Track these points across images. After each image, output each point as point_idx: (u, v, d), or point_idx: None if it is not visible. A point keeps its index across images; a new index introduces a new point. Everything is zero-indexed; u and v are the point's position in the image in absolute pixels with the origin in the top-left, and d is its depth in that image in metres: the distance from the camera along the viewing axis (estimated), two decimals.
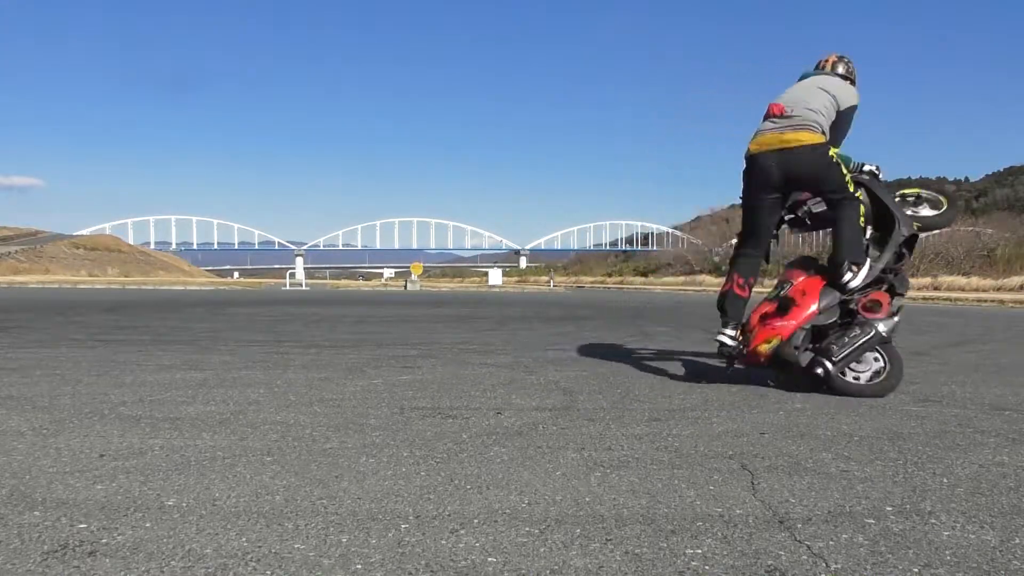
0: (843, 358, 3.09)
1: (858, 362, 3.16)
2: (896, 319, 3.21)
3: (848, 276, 3.23)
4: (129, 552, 1.29)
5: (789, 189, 3.39)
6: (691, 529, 1.45)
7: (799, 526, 1.47)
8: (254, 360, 4.25)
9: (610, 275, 73.26)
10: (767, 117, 3.40)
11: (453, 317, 9.81)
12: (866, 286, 3.30)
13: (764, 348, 3.24)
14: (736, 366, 3.50)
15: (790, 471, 1.90)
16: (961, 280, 32.18)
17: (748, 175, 3.41)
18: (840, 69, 3.51)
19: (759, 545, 1.36)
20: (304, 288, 34.18)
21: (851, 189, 3.29)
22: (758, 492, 1.71)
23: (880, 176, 3.57)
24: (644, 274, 66.10)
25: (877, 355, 3.18)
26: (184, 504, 1.56)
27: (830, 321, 3.24)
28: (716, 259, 61.16)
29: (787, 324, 3.21)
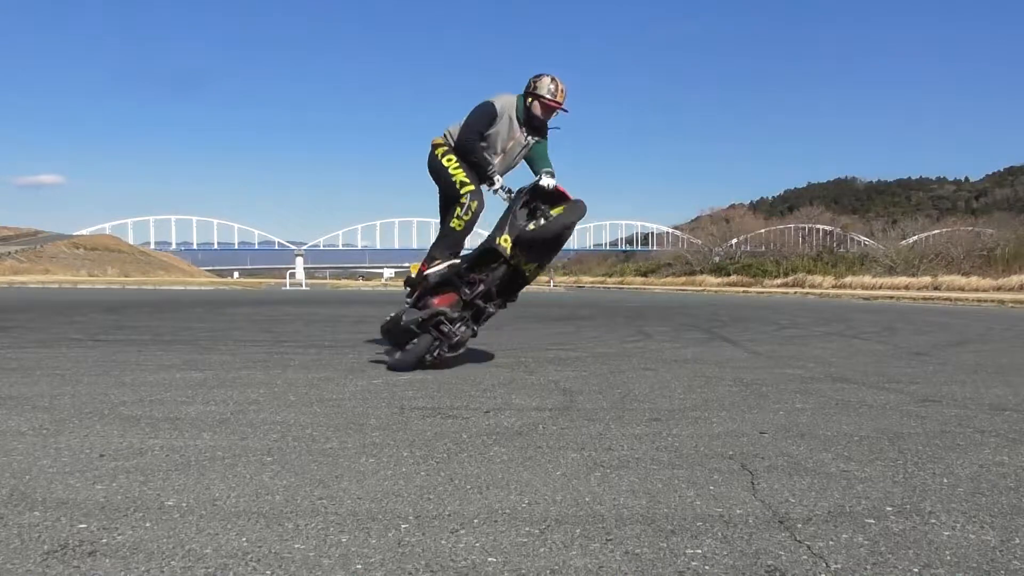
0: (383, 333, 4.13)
1: (412, 343, 3.76)
2: (419, 316, 3.73)
3: (428, 267, 3.86)
4: (129, 552, 1.29)
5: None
6: (691, 529, 1.45)
7: (799, 526, 1.47)
8: (254, 360, 4.25)
9: (610, 275, 73.25)
10: None
11: None
12: (440, 283, 3.83)
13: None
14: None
15: (790, 471, 1.90)
16: (961, 280, 32.19)
17: None
18: (527, 87, 4.01)
19: (759, 545, 1.36)
20: (304, 288, 34.18)
21: (460, 190, 3.83)
22: (758, 492, 1.71)
23: (498, 189, 3.90)
24: (644, 274, 66.11)
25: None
26: (184, 504, 1.56)
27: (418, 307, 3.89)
28: (716, 259, 61.17)
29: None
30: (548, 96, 3.93)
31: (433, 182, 4.04)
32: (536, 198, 3.84)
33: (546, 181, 3.85)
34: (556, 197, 3.84)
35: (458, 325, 3.81)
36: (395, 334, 3.90)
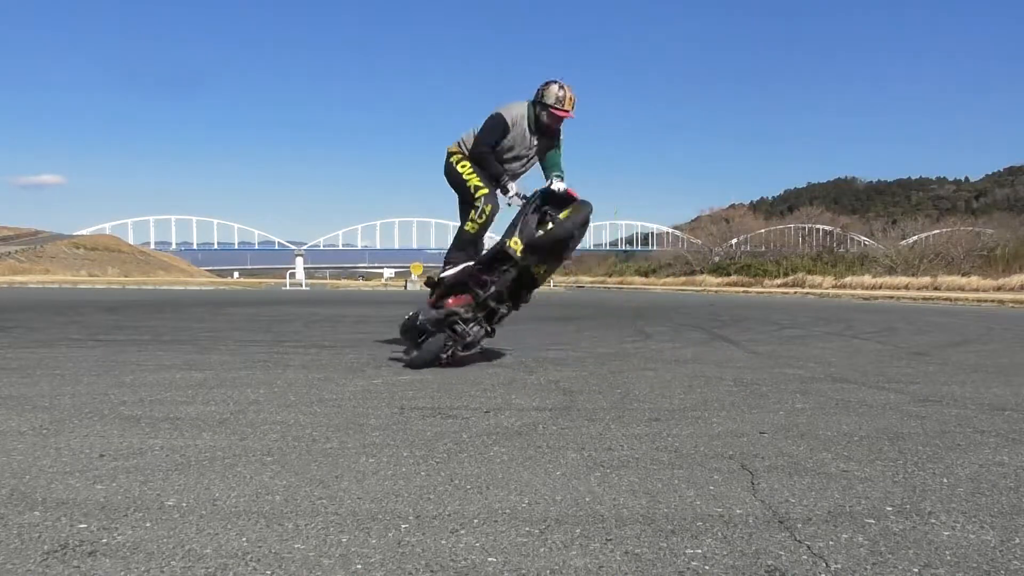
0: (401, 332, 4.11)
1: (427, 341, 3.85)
2: (435, 314, 3.82)
3: (442, 271, 3.99)
4: (129, 552, 1.29)
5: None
6: (691, 529, 1.45)
7: (799, 526, 1.47)
8: (254, 360, 4.25)
9: (610, 275, 73.17)
10: None
11: None
12: (455, 284, 3.91)
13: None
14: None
15: (790, 471, 1.90)
16: (961, 280, 32.16)
17: None
18: (536, 96, 4.08)
19: (759, 545, 1.36)
20: (304, 288, 34.19)
21: (474, 194, 3.95)
22: (758, 492, 1.71)
23: (512, 194, 3.99)
24: (644, 274, 66.06)
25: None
26: (184, 504, 1.56)
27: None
28: (716, 259, 61.14)
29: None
30: (555, 104, 4.00)
31: (452, 189, 4.17)
32: (547, 202, 3.91)
33: (557, 185, 3.91)
34: (566, 200, 3.90)
35: (471, 325, 3.90)
36: (412, 333, 3.97)
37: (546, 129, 4.07)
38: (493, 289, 3.85)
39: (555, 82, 4.02)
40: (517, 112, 3.99)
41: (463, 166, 4.00)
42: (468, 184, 3.96)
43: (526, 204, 3.89)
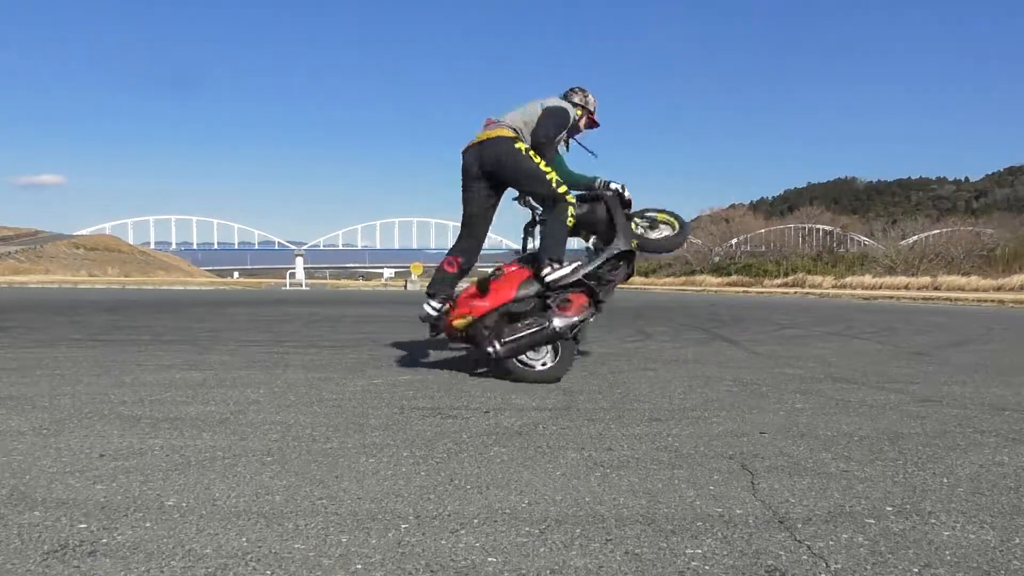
0: (509, 342, 3.35)
1: (535, 351, 3.45)
2: (577, 319, 3.42)
3: (547, 271, 3.51)
4: (129, 552, 1.29)
5: (489, 179, 3.69)
6: (691, 529, 1.45)
7: (799, 526, 1.47)
8: (254, 360, 4.25)
9: None
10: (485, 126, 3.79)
11: None
12: (568, 285, 3.54)
13: (459, 323, 3.53)
14: (438, 335, 3.80)
15: (790, 471, 1.90)
16: (961, 280, 32.16)
17: (462, 169, 3.76)
18: (571, 97, 3.97)
19: (759, 545, 1.36)
20: (304, 288, 34.20)
21: (559, 190, 3.62)
22: (758, 492, 1.71)
23: (625, 195, 3.85)
24: (644, 274, 66.08)
25: (551, 348, 3.48)
26: (184, 504, 1.56)
27: (525, 309, 3.51)
28: (716, 259, 61.15)
29: (482, 305, 3.49)
30: (594, 113, 4.00)
31: (491, 173, 3.65)
32: (626, 205, 3.91)
33: (628, 193, 3.88)
34: (629, 204, 3.92)
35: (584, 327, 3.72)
36: (525, 344, 3.40)
37: (572, 134, 4.01)
38: (612, 287, 3.76)
39: (591, 93, 3.99)
40: (570, 109, 3.85)
41: (534, 156, 3.64)
42: (548, 178, 3.57)
43: (614, 203, 3.81)
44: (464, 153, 3.73)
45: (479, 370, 3.76)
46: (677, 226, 4.03)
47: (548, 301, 3.51)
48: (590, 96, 3.99)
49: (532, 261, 3.68)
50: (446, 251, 3.99)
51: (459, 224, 3.87)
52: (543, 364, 3.47)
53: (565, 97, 3.96)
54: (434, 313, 3.67)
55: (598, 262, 3.65)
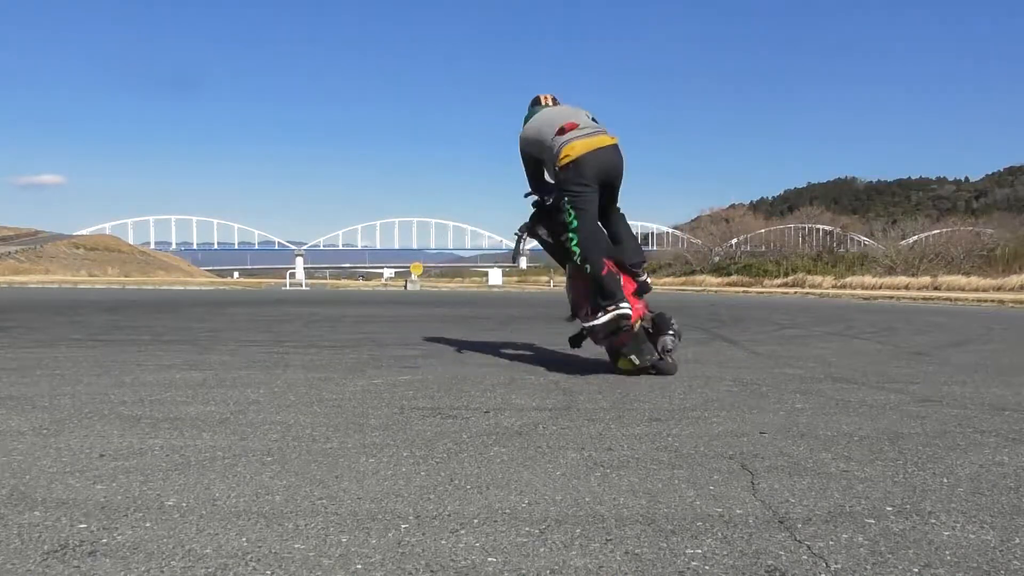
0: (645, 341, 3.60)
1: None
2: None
3: (643, 276, 3.81)
4: (129, 552, 1.29)
5: (602, 183, 3.67)
6: (691, 529, 1.45)
7: (799, 526, 1.47)
8: (254, 360, 4.25)
9: None
10: (564, 132, 3.67)
11: (453, 317, 9.80)
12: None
13: (636, 325, 3.62)
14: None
15: (790, 471, 1.90)
16: (961, 280, 32.16)
17: (582, 174, 3.60)
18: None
19: (759, 545, 1.36)
20: (304, 288, 34.19)
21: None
22: (758, 492, 1.70)
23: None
24: None
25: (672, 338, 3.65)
26: (184, 504, 1.56)
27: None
28: (716, 259, 61.15)
29: (639, 308, 3.67)
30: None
31: (614, 179, 3.75)
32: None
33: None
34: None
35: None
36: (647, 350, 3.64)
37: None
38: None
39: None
40: None
41: None
42: None
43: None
44: (614, 148, 3.69)
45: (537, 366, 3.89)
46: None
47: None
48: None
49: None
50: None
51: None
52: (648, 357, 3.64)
53: (550, 104, 4.00)
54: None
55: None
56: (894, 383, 3.58)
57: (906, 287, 32.58)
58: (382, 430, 2.33)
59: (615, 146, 3.67)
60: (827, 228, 71.00)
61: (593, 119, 3.84)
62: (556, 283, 51.70)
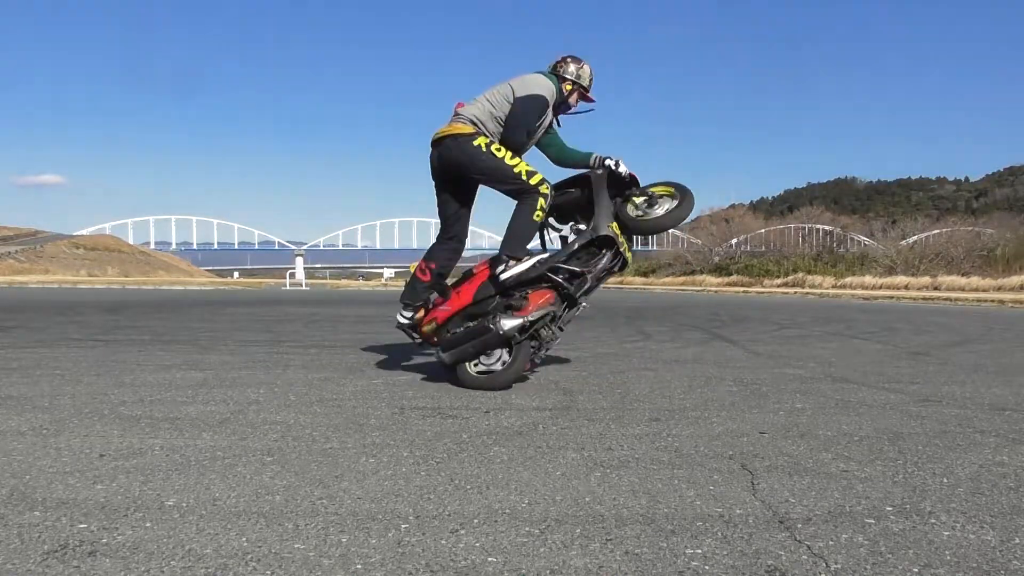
0: (449, 347, 3.23)
1: (487, 355, 3.25)
2: (527, 319, 3.13)
3: (500, 268, 3.26)
4: (129, 552, 1.29)
5: (450, 177, 3.45)
6: (691, 529, 1.45)
7: (799, 526, 1.47)
8: (254, 360, 4.25)
9: None
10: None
11: None
12: (528, 281, 3.27)
13: (427, 329, 3.44)
14: (420, 342, 3.66)
15: (790, 471, 1.90)
16: (961, 280, 32.14)
17: (430, 168, 3.51)
18: (560, 69, 3.55)
19: (759, 545, 1.36)
20: (304, 288, 34.21)
21: (531, 182, 3.28)
22: (758, 492, 1.71)
23: (620, 171, 3.43)
24: (644, 274, 66.05)
25: (506, 351, 3.24)
26: (184, 504, 1.56)
27: (486, 311, 3.29)
28: (716, 259, 61.13)
29: (445, 310, 3.39)
30: (589, 88, 3.60)
31: (452, 176, 3.43)
32: (614, 183, 3.51)
33: (623, 168, 3.47)
34: (627, 183, 3.51)
35: (556, 325, 3.41)
36: (470, 349, 3.22)
37: (563, 108, 3.61)
38: (589, 282, 3.39)
39: (586, 62, 3.56)
40: (550, 90, 3.45)
41: (499, 149, 3.30)
42: (516, 170, 3.27)
43: (598, 183, 3.44)
44: (431, 149, 3.45)
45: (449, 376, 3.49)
46: (678, 196, 3.52)
47: (511, 301, 3.23)
48: (585, 67, 3.56)
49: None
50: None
51: None
52: (496, 367, 3.24)
53: (553, 69, 3.55)
54: (406, 321, 3.54)
55: (565, 253, 3.35)
56: (894, 383, 3.58)
57: (906, 287, 32.57)
58: (382, 430, 2.33)
59: (436, 143, 3.41)
60: (827, 228, 70.99)
61: (519, 99, 3.36)
62: None
